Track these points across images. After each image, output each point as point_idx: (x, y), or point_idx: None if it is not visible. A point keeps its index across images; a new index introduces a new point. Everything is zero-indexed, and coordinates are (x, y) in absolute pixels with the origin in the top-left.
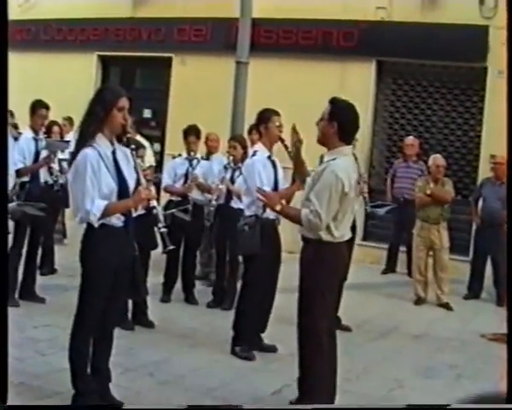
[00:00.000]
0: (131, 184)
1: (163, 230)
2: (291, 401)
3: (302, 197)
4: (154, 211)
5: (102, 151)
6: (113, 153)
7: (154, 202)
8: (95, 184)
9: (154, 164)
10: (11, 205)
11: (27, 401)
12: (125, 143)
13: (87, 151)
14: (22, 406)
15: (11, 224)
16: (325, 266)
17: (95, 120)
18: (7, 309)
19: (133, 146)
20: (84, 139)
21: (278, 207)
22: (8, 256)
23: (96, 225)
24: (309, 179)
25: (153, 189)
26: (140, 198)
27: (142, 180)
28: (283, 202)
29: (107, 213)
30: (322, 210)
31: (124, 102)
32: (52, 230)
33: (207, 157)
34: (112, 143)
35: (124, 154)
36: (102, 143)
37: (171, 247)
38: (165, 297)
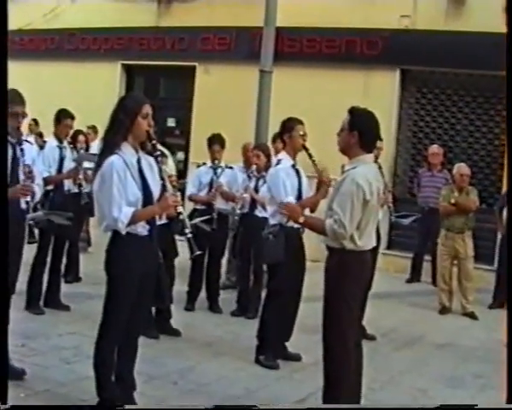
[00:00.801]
0: (156, 192)
1: (190, 235)
2: None
3: (325, 207)
4: (181, 217)
5: (128, 159)
6: (138, 161)
7: (180, 208)
8: (121, 192)
9: (174, 173)
10: (38, 213)
11: (51, 408)
12: (149, 150)
13: (113, 159)
14: (22, 406)
15: (36, 232)
16: (349, 275)
17: (119, 128)
18: (7, 309)
19: (158, 152)
20: (109, 147)
21: (301, 220)
22: (8, 257)
23: (124, 232)
24: (331, 189)
25: (179, 195)
26: (167, 205)
27: (169, 187)
28: (307, 211)
29: (134, 219)
30: (345, 219)
31: (147, 108)
32: (77, 238)
33: (247, 167)
34: (136, 151)
35: (148, 162)
36: (127, 151)
37: (198, 252)
38: (190, 306)
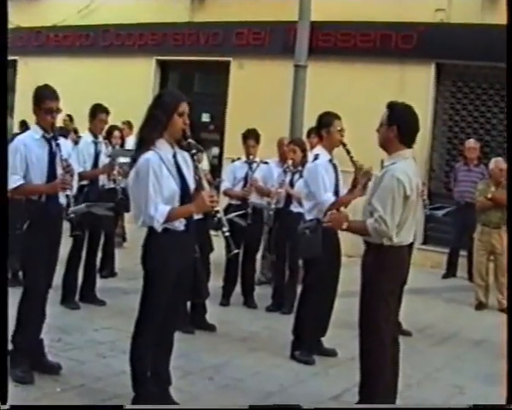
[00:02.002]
0: (192, 187)
1: (227, 234)
2: None
3: (364, 202)
4: (218, 215)
5: (164, 155)
6: (174, 156)
7: (217, 207)
8: (157, 190)
9: (208, 169)
10: (79, 206)
11: (87, 403)
12: (185, 147)
13: (149, 156)
14: (22, 406)
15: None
16: (386, 271)
17: (156, 125)
18: (7, 309)
19: (194, 151)
20: (145, 143)
21: (345, 226)
22: (7, 256)
23: (160, 230)
24: (370, 184)
25: (215, 193)
26: (204, 204)
27: (205, 185)
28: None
29: (170, 218)
30: (386, 215)
31: (184, 106)
32: (112, 233)
33: (282, 162)
34: (172, 147)
35: (183, 158)
36: (163, 146)
37: (236, 251)
38: (225, 301)
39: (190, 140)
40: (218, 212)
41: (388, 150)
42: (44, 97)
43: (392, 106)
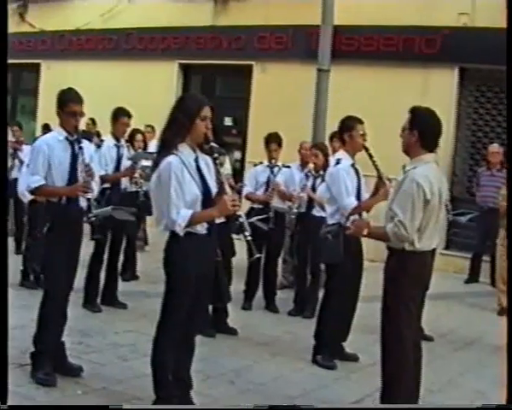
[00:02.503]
0: (214, 191)
1: (249, 238)
2: None
3: (386, 207)
4: (240, 219)
5: (185, 159)
6: (196, 160)
7: (239, 211)
8: (179, 194)
9: (230, 173)
10: (103, 209)
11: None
12: (207, 151)
13: (170, 159)
14: (22, 406)
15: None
16: (408, 276)
17: (178, 129)
18: (7, 309)
19: (216, 155)
20: (167, 147)
21: (365, 232)
22: (7, 255)
23: (182, 234)
24: (391, 189)
25: (237, 197)
26: (226, 208)
27: (228, 189)
28: (364, 214)
29: (192, 222)
30: (406, 219)
31: (207, 110)
32: (134, 236)
33: (303, 166)
34: (194, 151)
35: (205, 162)
36: (185, 150)
37: (258, 255)
38: (247, 305)
39: (212, 144)
40: (240, 216)
41: (410, 155)
42: (68, 101)
43: (414, 110)
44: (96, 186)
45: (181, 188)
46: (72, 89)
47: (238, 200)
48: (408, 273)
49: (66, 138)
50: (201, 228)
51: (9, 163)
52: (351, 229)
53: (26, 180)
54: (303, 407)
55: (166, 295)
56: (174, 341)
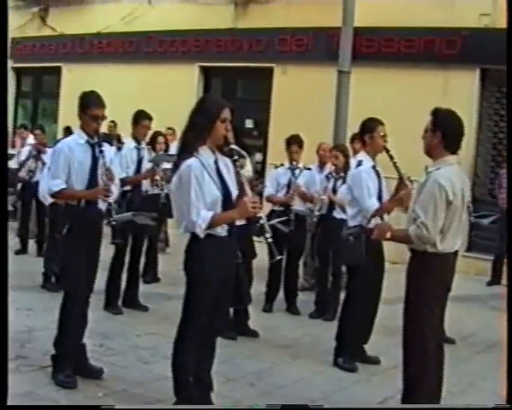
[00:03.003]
0: (235, 193)
1: (270, 240)
2: None
3: (409, 209)
4: (261, 221)
5: (205, 161)
6: (216, 162)
7: (260, 213)
8: (199, 195)
9: (252, 175)
10: (124, 214)
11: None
12: (227, 153)
13: (190, 162)
14: (22, 406)
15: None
16: (431, 278)
17: (198, 131)
18: (7, 309)
19: (236, 157)
20: (187, 149)
21: (388, 235)
22: (7, 256)
23: (202, 236)
24: (414, 191)
25: (258, 199)
26: (246, 210)
27: (248, 191)
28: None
29: (212, 224)
30: (428, 221)
31: (226, 113)
32: (156, 238)
33: (321, 167)
34: (213, 153)
35: (225, 163)
36: (205, 152)
37: (279, 257)
38: (268, 307)
39: (232, 146)
40: (260, 218)
41: (433, 156)
42: (90, 104)
43: (436, 112)
44: (116, 189)
45: (201, 190)
46: (95, 92)
47: (259, 202)
48: (430, 275)
49: (87, 141)
50: (222, 230)
51: (33, 166)
52: (374, 233)
53: (47, 183)
54: (312, 407)
55: (187, 297)
56: (195, 342)
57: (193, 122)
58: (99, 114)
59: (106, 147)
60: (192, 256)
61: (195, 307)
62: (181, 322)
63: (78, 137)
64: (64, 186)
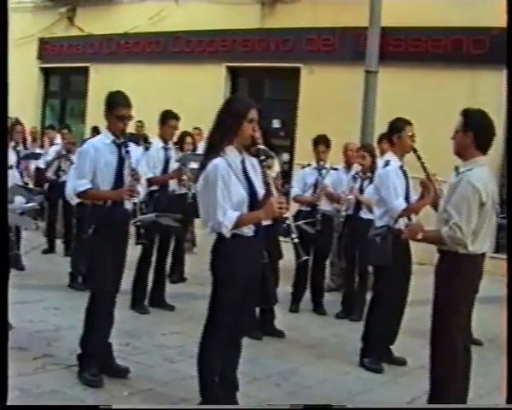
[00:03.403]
0: (261, 193)
1: (296, 240)
2: None
3: (439, 209)
4: (287, 222)
5: (232, 161)
6: (243, 162)
7: (286, 213)
8: (225, 195)
9: (279, 175)
10: (147, 216)
11: (154, 407)
12: (254, 153)
13: (217, 162)
14: (22, 406)
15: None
16: (460, 279)
17: (225, 131)
18: (7, 309)
19: (263, 157)
20: (214, 149)
21: (420, 236)
22: (8, 257)
23: (228, 236)
24: (445, 191)
25: (284, 199)
26: (272, 210)
27: (274, 191)
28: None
29: (239, 224)
30: (462, 222)
31: (254, 113)
32: (183, 238)
33: (347, 168)
34: (240, 153)
35: (251, 163)
36: (232, 152)
37: (305, 257)
38: (294, 307)
39: (259, 146)
40: (287, 218)
41: (464, 157)
42: (117, 104)
43: (467, 112)
44: (142, 190)
45: (227, 190)
46: (121, 92)
47: (285, 202)
48: (460, 276)
49: (113, 142)
50: (248, 230)
51: (63, 165)
52: (405, 233)
53: (73, 183)
54: (335, 407)
55: (213, 297)
56: (220, 342)
57: (220, 122)
58: (125, 114)
59: (132, 147)
60: (218, 256)
61: (221, 307)
62: (207, 321)
63: (105, 138)
64: (89, 186)
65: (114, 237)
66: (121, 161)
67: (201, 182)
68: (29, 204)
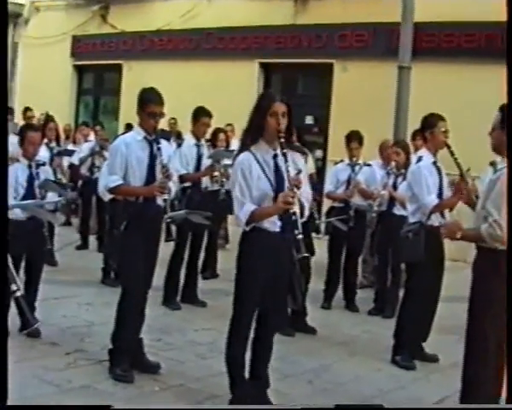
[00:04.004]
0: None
1: (299, 237)
2: None
3: (477, 207)
4: (293, 217)
5: (260, 155)
6: (275, 157)
7: (294, 208)
8: (244, 190)
9: (314, 171)
10: (178, 213)
11: (186, 402)
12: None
13: (241, 157)
14: (22, 406)
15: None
16: (499, 276)
17: (252, 127)
18: (7, 308)
19: (285, 151)
20: (244, 146)
21: (459, 235)
22: (7, 257)
23: (247, 229)
24: (483, 187)
25: (298, 193)
26: (278, 205)
27: (286, 185)
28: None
29: (253, 218)
30: (502, 220)
31: (276, 107)
32: (215, 235)
33: (384, 164)
34: (273, 148)
35: (285, 158)
36: (262, 147)
37: (305, 254)
38: (326, 304)
39: (283, 140)
40: (294, 214)
41: (502, 153)
42: (149, 101)
43: (504, 108)
44: (173, 186)
45: (246, 184)
46: (154, 89)
47: (294, 197)
48: (499, 273)
49: (145, 138)
50: (271, 225)
51: (97, 162)
52: (443, 232)
53: (105, 179)
54: (369, 407)
55: (235, 294)
56: (245, 338)
57: (249, 120)
58: (157, 112)
59: (164, 144)
60: (242, 250)
61: (241, 303)
62: (231, 319)
63: (136, 134)
64: (121, 182)
65: (146, 234)
66: (153, 158)
67: (230, 178)
68: (56, 198)
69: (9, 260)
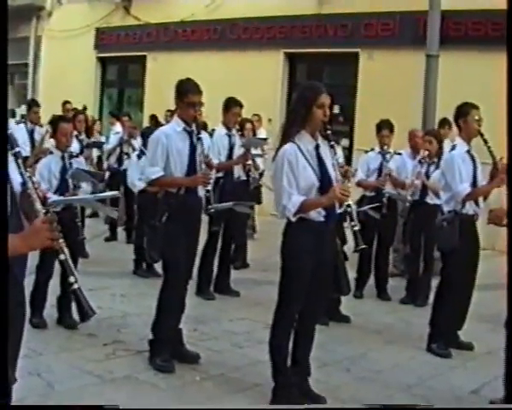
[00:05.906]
0: (334, 178)
1: (356, 228)
2: (492, 401)
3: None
4: (349, 209)
5: (303, 146)
6: (317, 148)
7: (348, 200)
8: (291, 180)
9: (342, 161)
10: (224, 204)
11: (227, 392)
12: (324, 138)
13: (286, 147)
14: (22, 406)
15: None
16: None
17: (295, 118)
18: (7, 308)
19: (332, 142)
20: (287, 136)
21: (505, 222)
22: (7, 254)
23: (293, 220)
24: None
25: (350, 185)
26: (334, 196)
27: (339, 177)
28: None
29: (302, 209)
30: None
31: (323, 98)
32: (245, 225)
33: (413, 153)
34: (315, 139)
35: (326, 149)
36: (304, 138)
37: (363, 246)
38: (358, 293)
39: (329, 132)
40: (349, 206)
41: None
42: (187, 91)
43: None
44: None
45: (293, 175)
46: (191, 79)
47: (348, 189)
48: None
49: (185, 129)
50: (316, 215)
51: (125, 149)
52: (490, 218)
53: (136, 170)
54: (418, 408)
55: (281, 283)
56: (290, 327)
57: (292, 110)
58: (196, 101)
59: (203, 134)
60: (287, 241)
61: (288, 294)
62: (276, 307)
63: (176, 125)
64: (162, 173)
65: (187, 225)
66: (193, 149)
67: (273, 168)
68: (109, 193)
69: (66, 252)
